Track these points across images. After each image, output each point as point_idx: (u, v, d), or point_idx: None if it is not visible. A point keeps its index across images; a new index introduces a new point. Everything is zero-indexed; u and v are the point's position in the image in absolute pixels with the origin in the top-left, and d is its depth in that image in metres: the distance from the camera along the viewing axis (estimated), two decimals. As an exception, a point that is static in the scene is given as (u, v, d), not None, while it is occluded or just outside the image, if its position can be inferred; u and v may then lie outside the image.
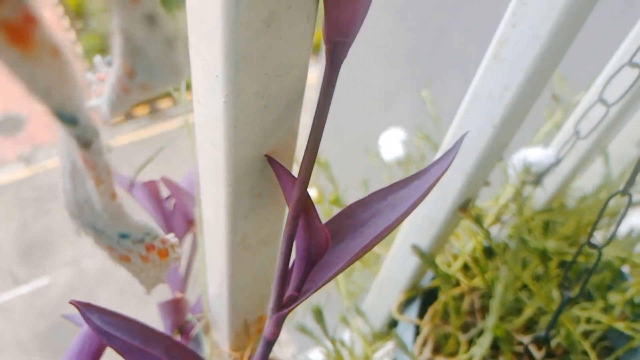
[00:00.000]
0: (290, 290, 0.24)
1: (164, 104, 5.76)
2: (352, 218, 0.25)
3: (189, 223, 0.45)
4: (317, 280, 0.24)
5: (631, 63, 0.35)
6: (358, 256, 0.24)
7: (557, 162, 0.45)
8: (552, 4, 0.28)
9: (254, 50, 0.17)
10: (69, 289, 4.36)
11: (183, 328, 0.42)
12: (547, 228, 0.58)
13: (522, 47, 0.30)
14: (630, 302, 0.54)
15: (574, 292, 0.36)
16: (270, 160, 0.22)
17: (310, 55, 0.19)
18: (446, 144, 0.38)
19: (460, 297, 0.54)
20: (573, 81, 0.62)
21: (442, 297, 0.49)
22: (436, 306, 0.51)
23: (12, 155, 5.23)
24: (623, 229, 0.72)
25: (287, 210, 0.26)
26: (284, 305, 0.24)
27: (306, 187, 0.21)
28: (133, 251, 0.15)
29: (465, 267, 0.56)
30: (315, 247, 0.23)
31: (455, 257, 0.55)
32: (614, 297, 0.54)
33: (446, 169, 0.26)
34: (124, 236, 0.14)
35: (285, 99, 0.20)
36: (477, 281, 0.53)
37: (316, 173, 0.58)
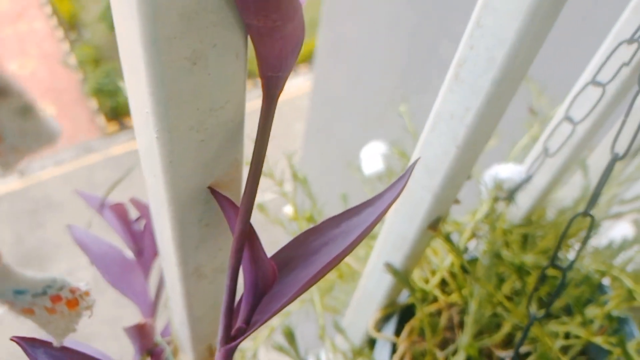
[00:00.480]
0: (239, 322, 0.24)
1: (159, 113, 5.75)
2: (304, 246, 0.25)
3: (160, 244, 0.45)
4: (267, 311, 0.24)
5: (594, 82, 0.35)
6: (308, 286, 0.24)
7: (528, 179, 0.45)
8: (507, 27, 0.28)
9: (182, 87, 0.17)
10: (63, 301, 4.33)
11: (152, 351, 0.41)
12: (526, 242, 0.58)
13: (480, 69, 0.30)
14: (609, 316, 0.54)
15: (540, 312, 0.35)
16: (213, 192, 0.22)
17: (246, 88, 0.19)
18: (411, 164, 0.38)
19: (438, 313, 0.53)
20: (554, 93, 0.62)
21: (419, 314, 0.49)
22: (413, 323, 0.50)
23: (6, 167, 5.20)
24: (605, 239, 0.72)
25: (240, 239, 0.26)
26: (233, 337, 0.24)
27: (248, 219, 0.21)
28: (36, 304, 0.15)
29: (444, 283, 0.56)
30: (262, 279, 0.23)
31: (434, 272, 0.55)
32: (593, 311, 0.54)
33: (398, 196, 0.25)
34: (20, 292, 0.14)
35: (223, 132, 0.20)
36: (455, 297, 0.52)
37: (296, 189, 0.58)
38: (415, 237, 0.42)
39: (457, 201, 0.41)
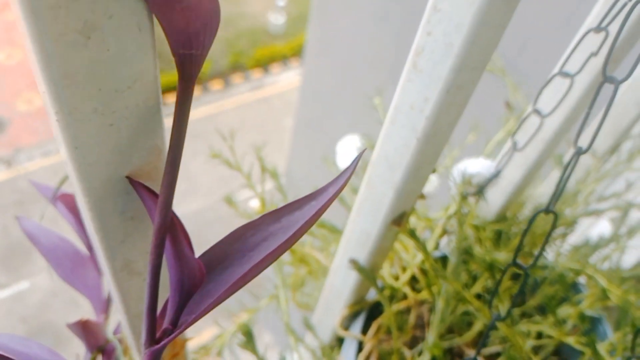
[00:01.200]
0: (165, 323, 0.22)
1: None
2: (241, 242, 0.23)
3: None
4: (195, 312, 0.22)
5: (561, 73, 0.33)
6: (241, 284, 0.22)
7: (497, 174, 0.44)
8: (463, 11, 0.26)
9: (77, 64, 0.15)
10: (49, 294, 4.30)
11: (104, 349, 0.39)
12: (499, 239, 0.57)
13: (438, 57, 0.28)
14: (582, 316, 0.53)
15: (505, 311, 0.34)
16: (132, 182, 0.20)
17: (158, 66, 0.17)
18: (374, 157, 0.36)
19: (408, 310, 0.52)
20: (533, 87, 0.61)
21: (386, 312, 0.47)
22: (381, 321, 0.49)
23: (-9, 158, 5.15)
24: (588, 236, 0.71)
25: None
26: (158, 339, 0.22)
27: (168, 210, 0.19)
28: None
29: (415, 280, 0.54)
30: (188, 277, 0.21)
31: (404, 269, 0.54)
32: (566, 310, 0.53)
33: (341, 189, 0.24)
34: None
35: (135, 116, 0.18)
36: (425, 294, 0.51)
37: (264, 182, 0.56)
38: (379, 233, 0.40)
39: (422, 196, 0.40)
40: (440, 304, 0.43)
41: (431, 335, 0.43)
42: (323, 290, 0.53)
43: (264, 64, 5.98)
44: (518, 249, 0.30)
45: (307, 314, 0.59)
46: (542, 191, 0.69)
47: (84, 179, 0.19)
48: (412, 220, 0.57)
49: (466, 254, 0.50)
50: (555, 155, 0.60)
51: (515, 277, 0.55)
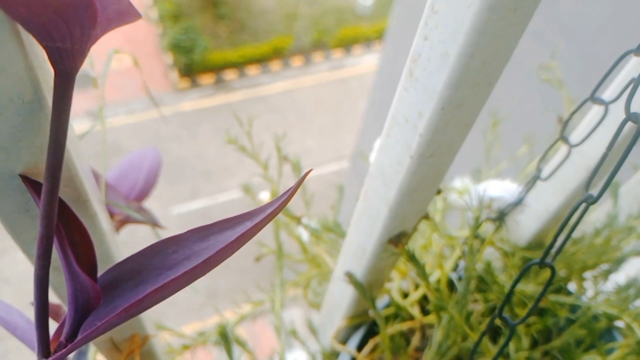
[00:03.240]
0: (62, 336, 0.20)
1: (229, 75, 5.84)
2: (160, 257, 0.21)
3: (110, 217, 0.42)
4: (93, 327, 0.20)
5: (594, 99, 0.28)
6: (151, 303, 0.20)
7: (520, 201, 0.38)
8: (460, 16, 0.22)
9: None
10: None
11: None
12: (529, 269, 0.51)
13: (433, 67, 0.24)
14: (610, 369, 0.46)
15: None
16: (24, 180, 0.18)
17: (27, 56, 0.15)
18: (371, 169, 0.33)
19: (412, 331, 0.48)
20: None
21: (383, 331, 0.44)
22: (378, 339, 0.46)
23: (80, 110, 5.46)
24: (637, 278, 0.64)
25: (102, 224, 0.23)
26: (55, 351, 0.20)
27: (50, 221, 0.17)
28: None
29: (427, 299, 0.50)
30: (81, 294, 0.19)
31: (417, 287, 0.50)
32: (590, 358, 0.47)
33: (278, 210, 0.21)
34: None
35: (10, 111, 0.16)
36: (433, 317, 0.47)
37: (281, 173, 0.54)
38: (374, 251, 0.36)
39: (427, 216, 0.36)
40: (438, 335, 0.39)
41: (423, 368, 0.39)
42: (326, 296, 0.50)
43: (347, 45, 5.92)
44: (506, 300, 0.26)
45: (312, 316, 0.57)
46: (596, 217, 0.62)
47: (-32, 175, 0.17)
48: (435, 238, 0.52)
49: (483, 282, 0.46)
50: (613, 184, 0.54)
51: (540, 312, 0.50)
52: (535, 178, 0.36)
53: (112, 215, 0.41)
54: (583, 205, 0.24)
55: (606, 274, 0.53)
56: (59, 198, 0.19)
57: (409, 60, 0.26)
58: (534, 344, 0.50)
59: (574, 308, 0.49)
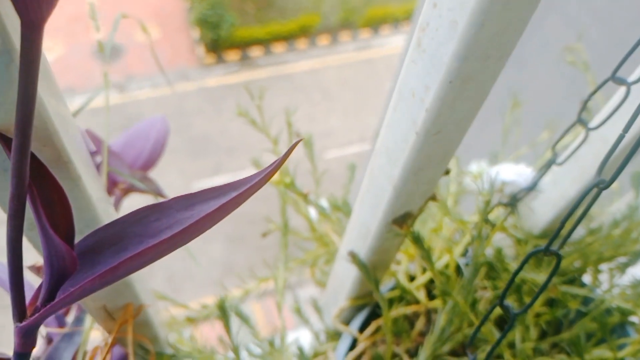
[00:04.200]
0: (39, 300, 0.20)
1: (255, 52, 5.81)
2: (142, 225, 0.20)
3: (113, 185, 0.42)
4: (69, 291, 0.19)
5: (614, 78, 0.26)
6: (128, 271, 0.19)
7: (534, 186, 0.37)
8: (471, -18, 0.20)
9: None
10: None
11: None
12: (542, 258, 0.49)
13: (442, 37, 0.23)
14: (620, 364, 0.45)
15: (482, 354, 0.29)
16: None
17: None
18: (377, 145, 0.32)
19: (417, 315, 0.47)
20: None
21: (386, 314, 0.43)
22: (381, 321, 0.45)
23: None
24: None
25: (88, 188, 0.22)
26: (29, 315, 0.20)
27: (22, 181, 0.16)
28: None
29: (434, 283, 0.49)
30: (57, 259, 0.18)
31: (424, 270, 0.48)
32: (602, 353, 0.45)
33: (265, 181, 0.20)
34: None
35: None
36: (439, 302, 0.46)
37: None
38: (378, 231, 0.35)
39: (434, 197, 0.34)
40: (441, 320, 0.38)
41: (423, 353, 0.38)
42: (331, 275, 0.49)
43: (374, 25, 5.84)
44: (507, 288, 0.24)
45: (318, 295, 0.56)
46: (618, 207, 0.59)
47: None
48: (447, 221, 0.51)
49: (493, 270, 0.44)
50: (635, 173, 0.51)
51: (551, 303, 0.48)
52: (551, 162, 0.34)
53: (115, 183, 0.41)
54: (595, 191, 0.23)
55: (623, 267, 0.51)
56: (35, 158, 0.18)
57: (417, 30, 0.24)
58: (544, 335, 0.49)
59: (586, 300, 0.47)
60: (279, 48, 5.85)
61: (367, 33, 5.89)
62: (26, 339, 0.20)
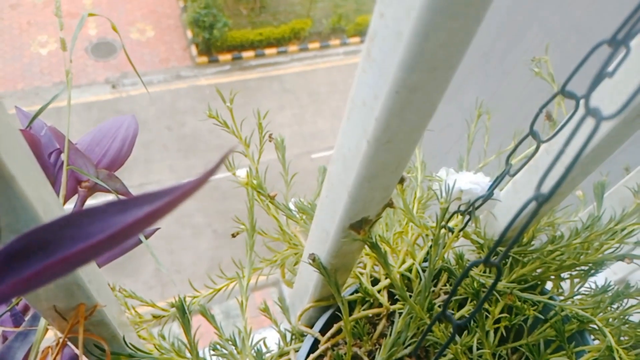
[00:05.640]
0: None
1: (247, 53, 5.81)
2: (74, 228, 0.20)
3: (77, 183, 0.42)
4: None
5: (564, 92, 0.26)
6: (53, 275, 0.19)
7: (490, 195, 0.37)
8: (413, -6, 0.21)
9: None
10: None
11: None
12: (505, 264, 0.50)
13: (388, 47, 0.23)
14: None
15: None
16: None
17: None
18: (334, 153, 0.32)
19: (379, 318, 0.48)
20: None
21: (345, 316, 0.43)
22: (342, 324, 0.45)
23: (101, 78, 5.49)
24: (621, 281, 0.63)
25: (24, 189, 0.22)
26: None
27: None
28: None
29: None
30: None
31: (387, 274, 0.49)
32: (558, 361, 0.46)
33: (196, 187, 0.20)
34: None
35: None
36: (400, 305, 0.46)
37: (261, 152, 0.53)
38: (336, 235, 0.36)
39: (391, 204, 0.35)
40: (398, 324, 0.39)
41: (380, 356, 0.39)
42: (297, 276, 0.50)
43: (364, 31, 5.87)
44: (449, 298, 0.25)
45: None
46: (582, 216, 0.61)
47: None
48: (412, 226, 0.52)
49: (454, 275, 0.45)
50: (597, 184, 0.52)
51: (510, 309, 0.49)
52: (504, 173, 0.35)
53: (79, 181, 0.41)
54: (534, 204, 0.24)
55: (585, 276, 0.52)
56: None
57: (367, 39, 0.25)
58: (505, 341, 0.49)
59: (547, 307, 0.48)
60: (270, 51, 5.86)
61: (357, 40, 5.93)
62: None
